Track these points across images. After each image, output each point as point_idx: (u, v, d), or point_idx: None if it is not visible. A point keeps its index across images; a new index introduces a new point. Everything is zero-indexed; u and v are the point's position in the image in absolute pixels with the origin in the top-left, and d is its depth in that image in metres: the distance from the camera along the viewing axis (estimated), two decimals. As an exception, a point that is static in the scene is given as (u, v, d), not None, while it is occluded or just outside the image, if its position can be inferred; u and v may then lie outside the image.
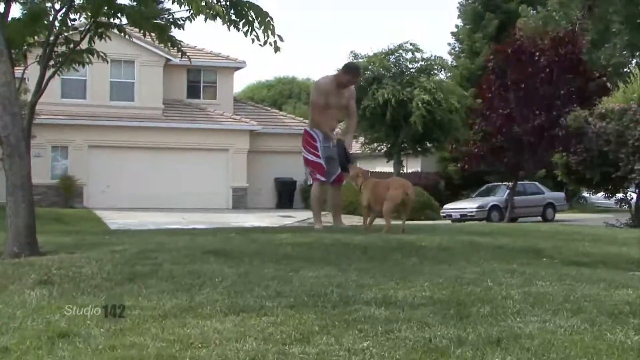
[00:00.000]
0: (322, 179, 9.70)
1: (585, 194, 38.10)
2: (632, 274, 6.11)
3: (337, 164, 9.55)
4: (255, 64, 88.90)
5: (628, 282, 5.26)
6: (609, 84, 23.67)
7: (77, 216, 22.57)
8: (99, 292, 4.68)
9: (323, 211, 10.10)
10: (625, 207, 21.54)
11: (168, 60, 30.26)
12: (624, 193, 21.47)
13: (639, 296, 4.63)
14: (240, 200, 30.85)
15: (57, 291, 4.75)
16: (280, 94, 57.39)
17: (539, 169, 26.30)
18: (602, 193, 23.26)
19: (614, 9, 37.28)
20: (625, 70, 29.22)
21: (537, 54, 22.77)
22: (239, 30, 9.01)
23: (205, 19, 8.89)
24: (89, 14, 8.75)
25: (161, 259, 5.93)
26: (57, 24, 8.84)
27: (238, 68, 34.30)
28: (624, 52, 37.72)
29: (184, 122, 30.75)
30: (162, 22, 9.79)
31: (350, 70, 9.76)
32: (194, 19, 9.23)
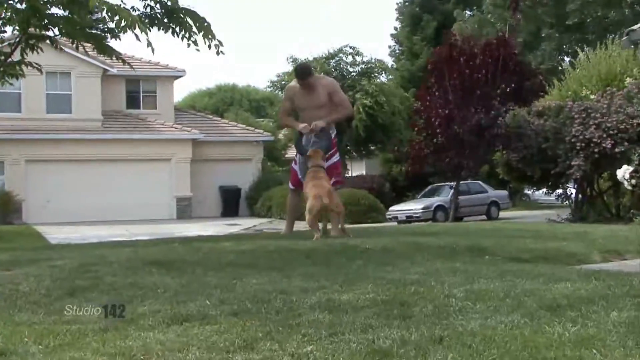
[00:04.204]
0: (291, 186, 9.68)
1: (528, 192, 38.83)
2: (571, 268, 6.25)
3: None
4: (195, 72, 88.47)
5: (567, 276, 5.37)
6: (544, 82, 24.21)
7: (16, 232, 22.06)
8: (38, 309, 4.59)
9: (298, 220, 9.85)
10: (566, 202, 22.01)
11: (106, 70, 29.88)
12: (563, 189, 21.94)
13: (577, 289, 4.74)
14: (185, 210, 30.62)
15: (-6, 309, 4.65)
16: (222, 102, 57.01)
17: (479, 167, 26.73)
18: (543, 189, 23.73)
19: (544, 10, 38.12)
20: (559, 68, 29.92)
21: (472, 55, 23.22)
22: (177, 36, 9.00)
23: (142, 31, 8.80)
24: (18, 26, 8.59)
25: (102, 272, 5.85)
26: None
27: (178, 77, 34.07)
28: (555, 54, 38.59)
29: (124, 133, 30.39)
30: (97, 32, 9.67)
31: (294, 72, 9.76)
32: (127, 31, 9.13)
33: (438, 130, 23.43)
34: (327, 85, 9.31)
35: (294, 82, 9.53)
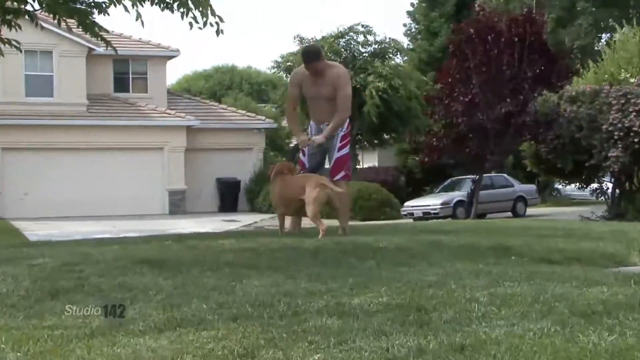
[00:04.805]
0: None
1: (559, 186, 38.81)
2: (608, 270, 6.24)
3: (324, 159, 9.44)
4: (191, 52, 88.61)
5: (603, 279, 5.37)
6: (577, 64, 24.14)
7: (-8, 228, 22.15)
8: (16, 312, 4.61)
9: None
10: (602, 198, 21.98)
11: (91, 49, 29.88)
12: (599, 183, 21.90)
13: (614, 294, 4.73)
14: (178, 205, 30.66)
15: (-32, 313, 4.67)
16: (220, 85, 57.11)
17: (505, 158, 26.72)
18: (576, 184, 23.70)
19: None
20: (595, 48, 29.82)
21: (498, 33, 23.15)
22: (173, 12, 8.97)
23: (133, 5, 8.79)
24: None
25: (87, 271, 5.88)
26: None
27: (171, 57, 34.08)
28: (591, 30, 38.43)
29: (112, 119, 30.42)
30: (82, 7, 9.64)
31: (302, 56, 9.70)
32: (119, 3, 9.10)
33: (460, 119, 23.38)
34: (334, 78, 9.21)
35: (302, 69, 9.51)
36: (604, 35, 38.81)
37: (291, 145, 9.92)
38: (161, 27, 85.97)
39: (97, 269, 5.98)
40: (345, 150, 9.40)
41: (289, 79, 9.83)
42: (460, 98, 23.21)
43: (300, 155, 9.63)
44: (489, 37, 22.90)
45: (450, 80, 23.92)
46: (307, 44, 30.65)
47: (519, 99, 22.62)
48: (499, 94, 22.85)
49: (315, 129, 9.44)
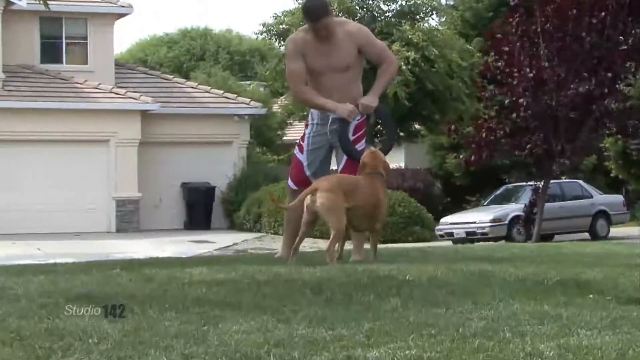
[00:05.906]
0: (292, 185, 9.52)
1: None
2: None
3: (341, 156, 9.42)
4: (148, 10, 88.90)
5: None
6: None
7: None
8: None
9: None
10: None
11: (9, 3, 29.92)
12: None
13: None
14: (129, 219, 30.68)
15: None
16: (188, 55, 57.32)
17: (581, 159, 26.66)
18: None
19: None
20: None
21: None
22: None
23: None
24: None
25: (3, 311, 5.89)
26: None
27: (121, 15, 34.19)
28: None
29: (37, 100, 30.47)
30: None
31: (306, 13, 9.66)
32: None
33: (521, 100, 23.36)
34: (354, 34, 9.30)
35: (301, 33, 9.52)
36: None
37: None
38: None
39: (17, 308, 5.98)
40: (361, 146, 9.40)
41: (285, 50, 9.80)
42: (526, 70, 23.18)
43: (296, 151, 9.63)
44: None
45: (507, 49, 23.87)
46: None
47: (605, 77, 22.56)
48: (575, 69, 22.84)
49: (320, 117, 9.44)
